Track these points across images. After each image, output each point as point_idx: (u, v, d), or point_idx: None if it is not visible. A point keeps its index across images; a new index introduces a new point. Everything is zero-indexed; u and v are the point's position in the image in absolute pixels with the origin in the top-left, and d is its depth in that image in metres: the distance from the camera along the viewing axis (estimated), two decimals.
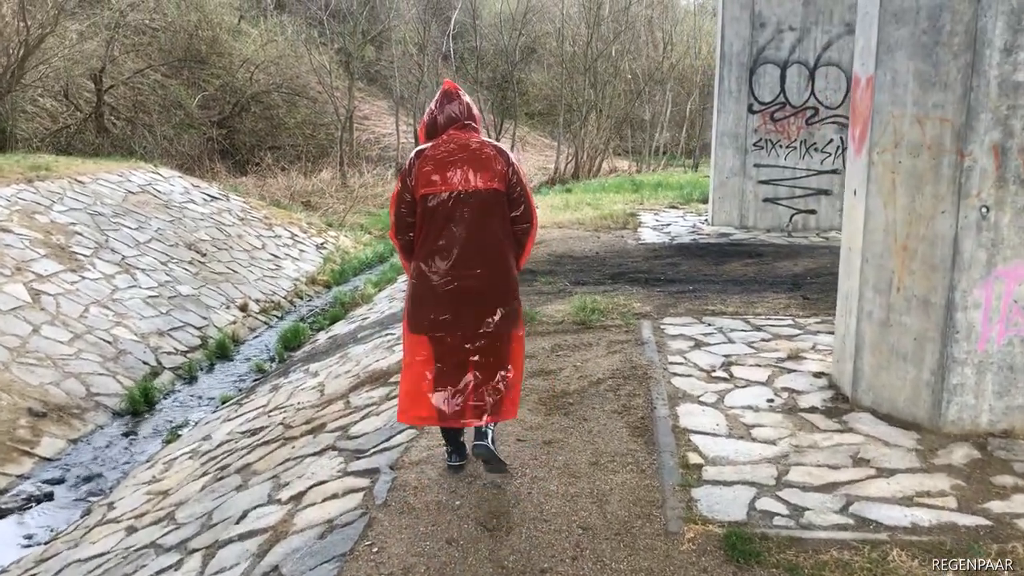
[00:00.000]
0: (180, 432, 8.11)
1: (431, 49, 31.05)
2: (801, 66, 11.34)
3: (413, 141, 29.02)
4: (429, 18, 30.13)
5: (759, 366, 5.80)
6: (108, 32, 24.35)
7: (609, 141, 30.18)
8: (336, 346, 9.30)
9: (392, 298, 11.48)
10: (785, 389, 5.36)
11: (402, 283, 12.92)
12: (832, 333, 6.61)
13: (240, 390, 9.28)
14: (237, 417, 7.56)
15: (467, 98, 4.16)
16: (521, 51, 31.91)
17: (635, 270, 9.26)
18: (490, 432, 4.06)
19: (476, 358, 3.99)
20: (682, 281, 8.65)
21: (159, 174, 15.96)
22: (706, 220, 12.50)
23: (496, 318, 3.99)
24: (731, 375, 5.63)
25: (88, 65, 23.73)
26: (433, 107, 4.13)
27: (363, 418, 5.63)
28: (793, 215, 11.70)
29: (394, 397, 5.79)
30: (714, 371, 5.72)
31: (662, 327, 6.83)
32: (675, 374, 5.65)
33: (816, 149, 11.47)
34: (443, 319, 3.95)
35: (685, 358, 6.00)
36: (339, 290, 13.89)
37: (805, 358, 5.97)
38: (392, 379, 6.35)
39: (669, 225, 12.40)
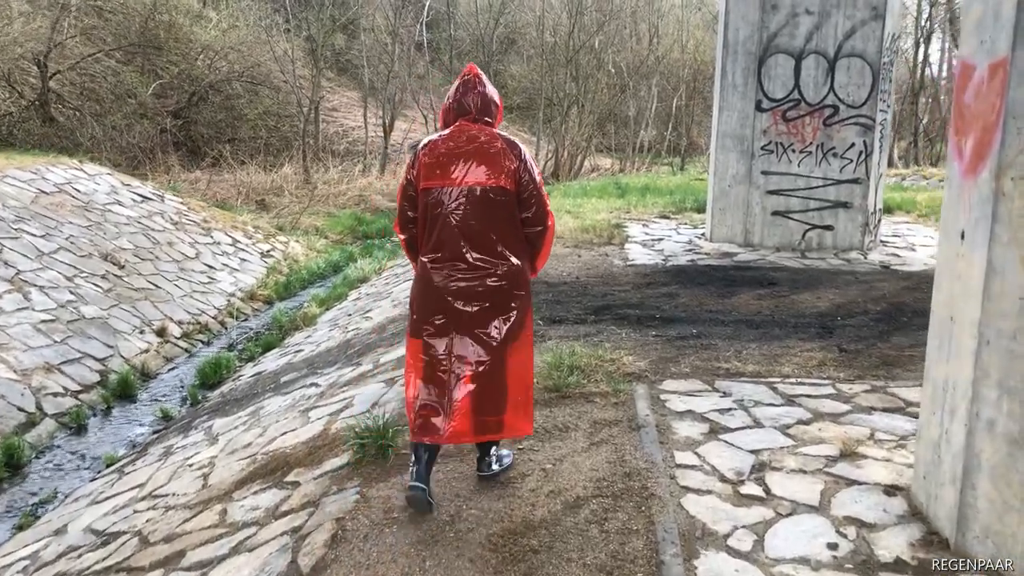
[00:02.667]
0: (40, 512, 6.33)
1: (404, 37, 29.18)
2: (819, 57, 9.65)
3: (382, 135, 27.20)
4: (401, 5, 28.24)
5: (804, 472, 4.08)
6: (54, 12, 22.30)
7: (591, 138, 28.47)
8: (253, 393, 7.52)
9: (335, 323, 9.71)
10: (850, 520, 3.64)
11: (352, 302, 11.16)
12: (893, 411, 4.90)
13: (134, 445, 7.49)
14: (108, 499, 5.79)
15: (487, 88, 3.84)
16: (499, 41, 30.11)
17: (623, 303, 7.53)
18: (492, 460, 4.01)
19: (466, 370, 3.71)
20: (682, 321, 6.93)
21: (83, 171, 14.07)
22: (704, 235, 10.79)
23: (494, 328, 3.72)
24: (768, 490, 3.91)
25: (32, 48, 21.70)
26: (450, 94, 3.86)
27: (234, 549, 3.88)
28: (807, 231, 10.02)
29: (290, 511, 4.09)
30: (742, 481, 4.00)
31: (662, 397, 5.10)
32: (687, 488, 3.92)
33: (835, 155, 9.79)
34: (438, 322, 3.73)
35: (699, 456, 4.27)
36: (280, 308, 12.09)
37: (865, 456, 4.26)
38: (293, 472, 4.60)
39: (661, 240, 10.68)
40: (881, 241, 10.61)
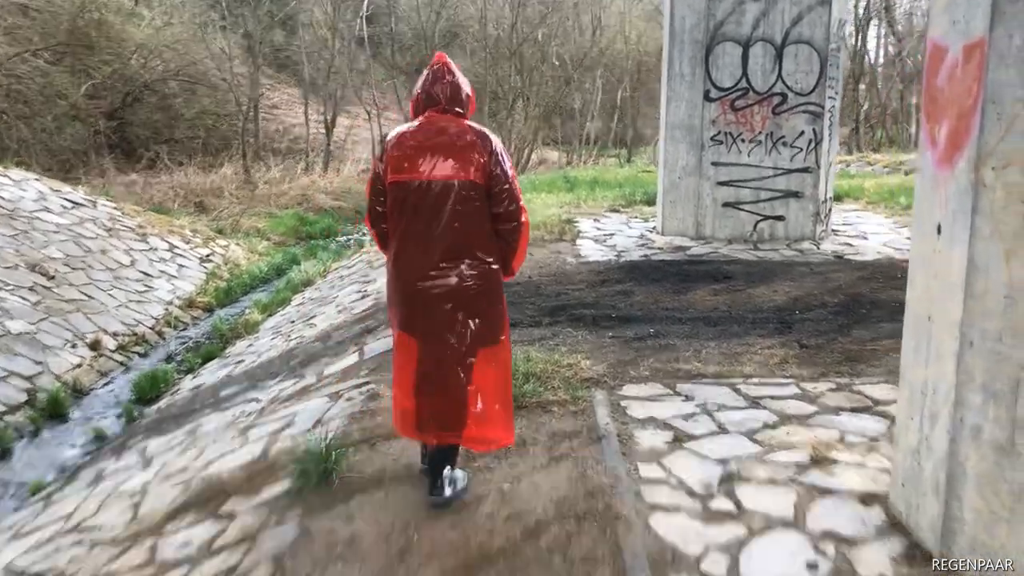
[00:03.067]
0: None
1: (344, 32, 28.62)
2: (767, 44, 9.50)
3: (324, 132, 26.65)
4: None
5: (775, 482, 3.86)
6: None
7: (538, 131, 28.23)
8: (191, 410, 7.12)
9: (278, 331, 9.32)
10: (827, 535, 3.42)
11: (295, 307, 10.77)
12: (861, 411, 4.72)
13: (64, 470, 7.04)
14: (31, 532, 5.36)
15: (457, 77, 3.66)
16: (441, 35, 29.68)
17: (578, 302, 7.28)
18: (445, 483, 3.68)
19: (434, 372, 3.58)
20: (639, 320, 6.70)
21: (8, 177, 13.40)
22: (655, 228, 10.59)
23: (460, 329, 3.57)
24: (739, 504, 3.67)
25: None
26: (419, 84, 3.72)
27: None
28: (758, 222, 9.87)
29: (225, 547, 3.76)
30: (712, 495, 3.76)
31: (623, 404, 4.85)
32: (655, 506, 3.67)
33: (785, 144, 9.65)
34: (407, 320, 3.63)
35: (664, 468, 4.03)
36: (221, 316, 11.64)
37: (837, 461, 4.05)
38: (230, 501, 4.26)
39: (613, 235, 10.45)
40: (832, 230, 10.52)
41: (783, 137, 9.62)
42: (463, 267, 3.54)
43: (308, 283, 12.66)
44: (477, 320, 3.58)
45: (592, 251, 9.42)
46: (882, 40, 35.13)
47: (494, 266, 3.63)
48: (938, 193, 3.23)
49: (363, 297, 9.05)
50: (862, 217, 11.87)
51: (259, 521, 3.89)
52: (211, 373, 8.57)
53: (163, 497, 4.81)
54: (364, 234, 18.60)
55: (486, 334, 3.62)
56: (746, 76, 9.56)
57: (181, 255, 13.72)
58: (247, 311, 11.41)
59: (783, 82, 9.53)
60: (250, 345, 9.32)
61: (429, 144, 3.53)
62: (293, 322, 9.61)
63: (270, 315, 11.00)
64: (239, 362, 8.52)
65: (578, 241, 10.05)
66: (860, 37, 30.47)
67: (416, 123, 3.63)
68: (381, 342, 6.48)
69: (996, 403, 2.93)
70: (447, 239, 3.51)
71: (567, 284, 7.90)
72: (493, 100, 27.42)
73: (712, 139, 9.73)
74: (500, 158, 3.57)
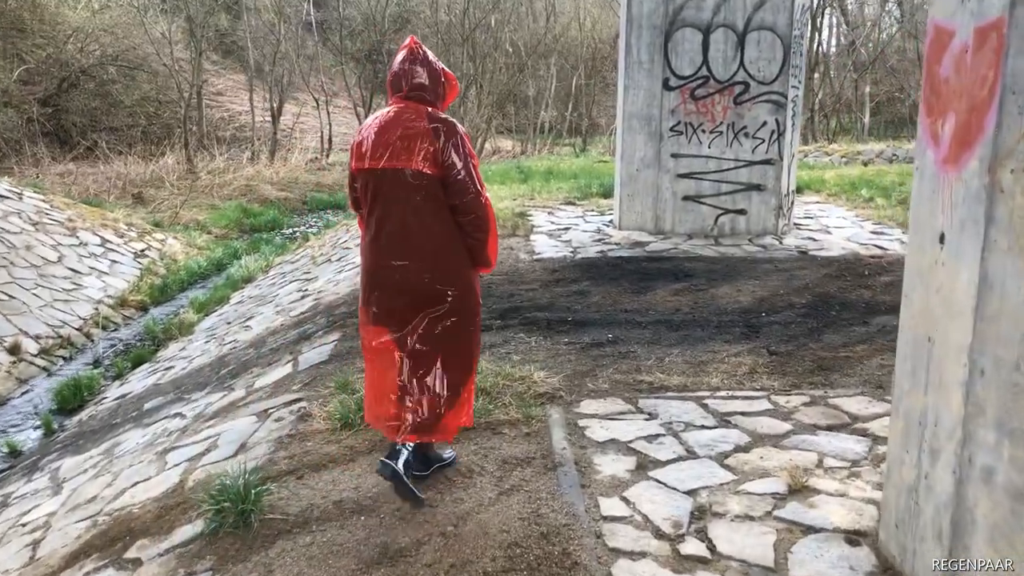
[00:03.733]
0: None
1: (291, 17, 27.77)
2: (728, 30, 9.10)
3: (271, 120, 25.85)
4: None
5: (751, 518, 3.45)
6: None
7: (492, 119, 27.69)
8: (112, 424, 6.55)
9: (212, 333, 8.74)
10: None
11: (233, 306, 10.18)
12: (838, 429, 4.33)
13: None
14: None
15: (419, 65, 3.52)
16: (392, 20, 28.94)
17: (532, 304, 6.82)
18: (404, 452, 3.50)
19: (400, 364, 3.52)
20: (596, 323, 6.26)
21: None
22: (612, 223, 10.17)
23: (423, 322, 3.49)
24: (712, 547, 3.25)
25: None
26: (389, 71, 3.66)
27: None
28: (719, 216, 9.50)
29: None
30: (682, 536, 3.33)
31: (581, 424, 4.41)
32: (617, 550, 3.22)
33: (747, 135, 9.28)
34: (373, 312, 3.56)
35: (627, 502, 3.59)
36: (155, 315, 10.99)
37: (817, 490, 3.65)
38: (137, 545, 3.74)
39: (568, 230, 10.01)
40: (795, 224, 10.20)
41: (745, 128, 9.25)
42: (421, 257, 3.45)
43: (249, 279, 12.05)
44: (437, 311, 3.48)
45: (546, 247, 8.97)
46: (833, 29, 35.16)
47: (452, 259, 3.50)
48: (941, 197, 2.82)
49: (303, 297, 8.50)
50: (824, 210, 11.58)
51: (166, 572, 3.37)
52: (139, 380, 7.98)
53: (66, 535, 4.27)
54: (310, 226, 17.98)
55: (452, 326, 3.52)
56: (707, 64, 9.17)
57: (114, 250, 12.99)
58: (183, 310, 10.78)
59: (745, 70, 9.15)
60: (183, 349, 8.72)
61: (385, 132, 3.45)
62: (229, 323, 9.02)
63: (207, 315, 10.38)
64: (168, 368, 7.94)
65: (532, 236, 9.58)
66: (813, 25, 30.36)
67: (383, 110, 3.59)
68: (316, 351, 5.96)
69: (1013, 442, 2.53)
70: (400, 230, 3.44)
71: (520, 284, 7.44)
72: None
73: (671, 130, 9.32)
74: (454, 147, 3.41)
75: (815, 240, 9.30)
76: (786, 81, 9.13)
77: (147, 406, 6.58)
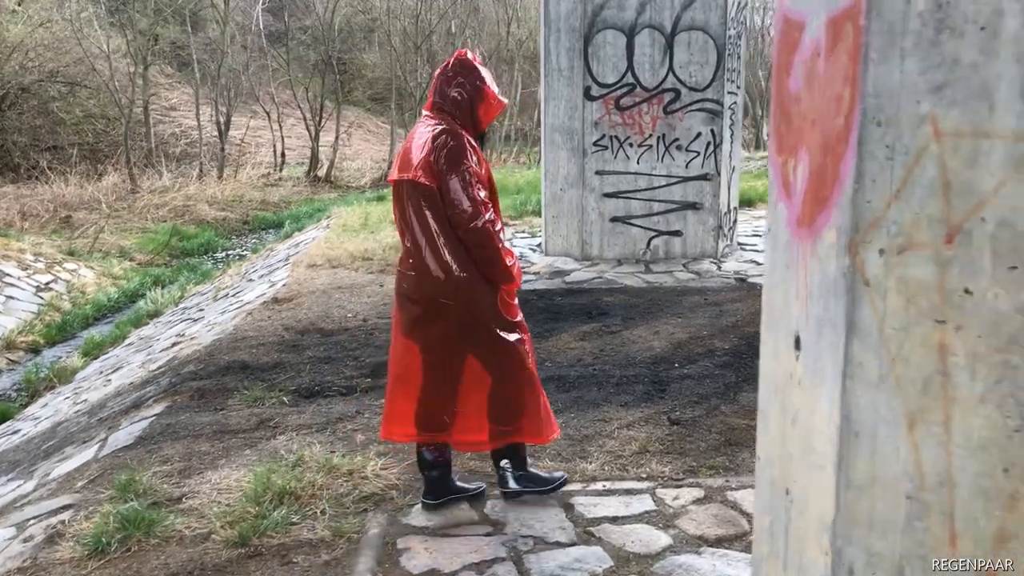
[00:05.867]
0: None
1: (243, 26, 26.75)
2: (655, 32, 8.13)
3: (217, 135, 24.81)
4: None
5: None
6: None
7: None
8: None
9: (79, 386, 7.71)
10: None
11: (123, 348, 9.16)
12: (728, 543, 3.36)
13: None
14: None
15: (448, 76, 3.51)
16: (349, 28, 27.94)
17: None
18: (508, 476, 3.72)
19: (424, 375, 3.54)
20: None
21: None
22: (539, 247, 9.18)
23: (433, 331, 3.45)
24: None
25: None
26: None
27: None
28: (652, 239, 8.52)
29: None
30: None
31: (400, 545, 3.41)
32: None
33: (679, 147, 8.31)
34: (402, 320, 3.59)
35: None
36: (47, 357, 9.95)
37: None
38: None
39: None
40: (739, 244, 9.24)
41: (677, 140, 8.28)
42: (424, 271, 3.42)
43: (156, 314, 11.01)
44: (445, 321, 3.43)
45: None
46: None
47: (455, 272, 3.39)
48: (796, 277, 1.85)
49: (173, 344, 7.47)
50: None
51: None
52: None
53: None
54: (245, 250, 16.94)
55: (463, 337, 3.48)
56: (632, 70, 8.19)
57: (12, 284, 11.92)
58: (68, 354, 9.74)
59: (675, 76, 8.19)
60: (45, 406, 7.68)
61: (407, 144, 3.52)
62: (102, 373, 7.99)
63: (94, 358, 9.33)
64: (15, 432, 6.90)
65: None
66: (761, 19, 29.46)
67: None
68: (127, 430, 4.94)
69: None
70: (410, 241, 3.44)
71: None
72: (400, 96, 25.86)
73: (595, 144, 8.34)
74: (447, 159, 3.33)
75: (758, 263, 8.34)
76: (721, 87, 8.17)
77: None
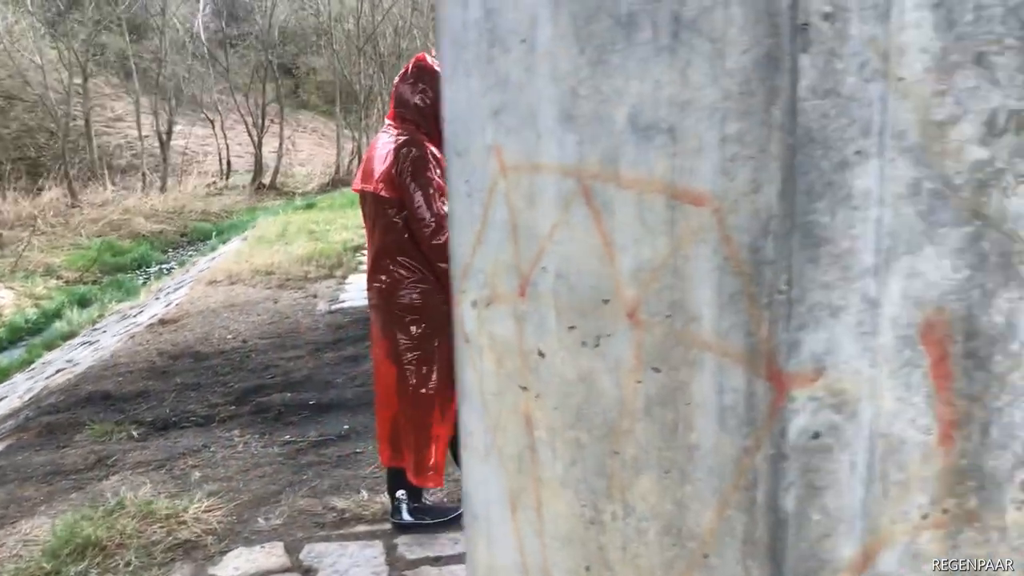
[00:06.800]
0: None
1: (182, 33, 26.31)
2: None
3: (159, 145, 24.39)
4: None
5: None
6: None
7: None
8: None
9: None
10: None
11: (25, 374, 8.82)
12: None
13: None
14: None
15: (412, 82, 3.30)
16: (297, 29, 27.57)
17: (283, 381, 5.55)
18: (401, 505, 3.55)
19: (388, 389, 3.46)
20: (346, 407, 5.02)
21: None
22: None
23: (393, 347, 3.36)
24: None
25: None
26: None
27: None
28: None
29: None
30: None
31: None
32: None
33: None
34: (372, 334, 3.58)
35: None
36: None
37: None
38: None
39: None
40: None
41: None
42: (385, 283, 3.34)
43: (72, 334, 10.66)
44: (404, 339, 3.33)
45: (358, 294, 7.70)
46: None
47: (419, 286, 3.30)
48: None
49: (58, 371, 7.15)
50: None
51: None
52: None
53: None
54: (182, 262, 16.59)
55: (418, 357, 3.36)
56: None
57: None
58: None
59: None
60: None
61: (368, 153, 3.48)
62: (26, 394, 7.66)
63: None
64: None
65: (349, 279, 8.33)
66: None
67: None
68: None
69: None
70: (376, 252, 3.38)
71: (288, 349, 6.17)
72: (347, 99, 25.53)
73: None
74: (411, 171, 3.18)
75: None
76: None
77: None
